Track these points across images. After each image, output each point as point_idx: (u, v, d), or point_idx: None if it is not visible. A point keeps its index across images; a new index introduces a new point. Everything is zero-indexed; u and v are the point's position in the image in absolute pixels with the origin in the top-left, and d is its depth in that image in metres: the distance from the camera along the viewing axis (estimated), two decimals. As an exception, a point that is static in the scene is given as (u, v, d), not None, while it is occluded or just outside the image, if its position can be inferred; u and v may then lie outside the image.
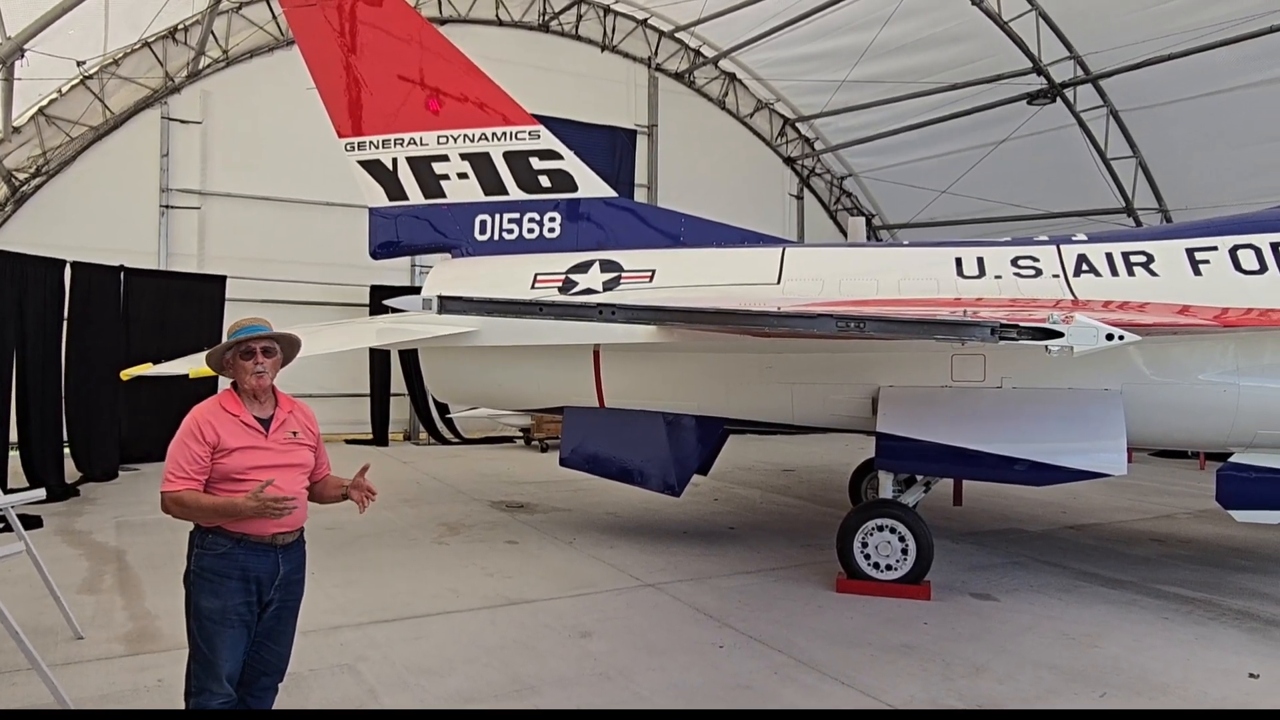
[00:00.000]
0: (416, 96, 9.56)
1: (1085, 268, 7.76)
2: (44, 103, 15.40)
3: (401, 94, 9.58)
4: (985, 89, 18.92)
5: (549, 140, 9.62)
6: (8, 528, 6.27)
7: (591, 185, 9.68)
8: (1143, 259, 7.70)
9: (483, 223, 9.74)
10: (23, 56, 13.14)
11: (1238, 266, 7.42)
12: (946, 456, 7.55)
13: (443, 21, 18.44)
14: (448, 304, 5.76)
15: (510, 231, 9.68)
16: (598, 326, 7.06)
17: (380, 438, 17.98)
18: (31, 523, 8.95)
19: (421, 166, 9.74)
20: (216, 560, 3.71)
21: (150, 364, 8.78)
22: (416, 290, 13.17)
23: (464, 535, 9.56)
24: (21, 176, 15.26)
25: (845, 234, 23.23)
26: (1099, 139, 18.63)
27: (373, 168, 9.85)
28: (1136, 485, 13.09)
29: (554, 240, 9.55)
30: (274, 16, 17.11)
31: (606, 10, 20.86)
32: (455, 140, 9.62)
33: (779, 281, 8.33)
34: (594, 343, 8.65)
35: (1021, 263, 7.98)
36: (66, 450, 12.54)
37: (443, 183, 9.75)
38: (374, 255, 10.25)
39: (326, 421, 6.04)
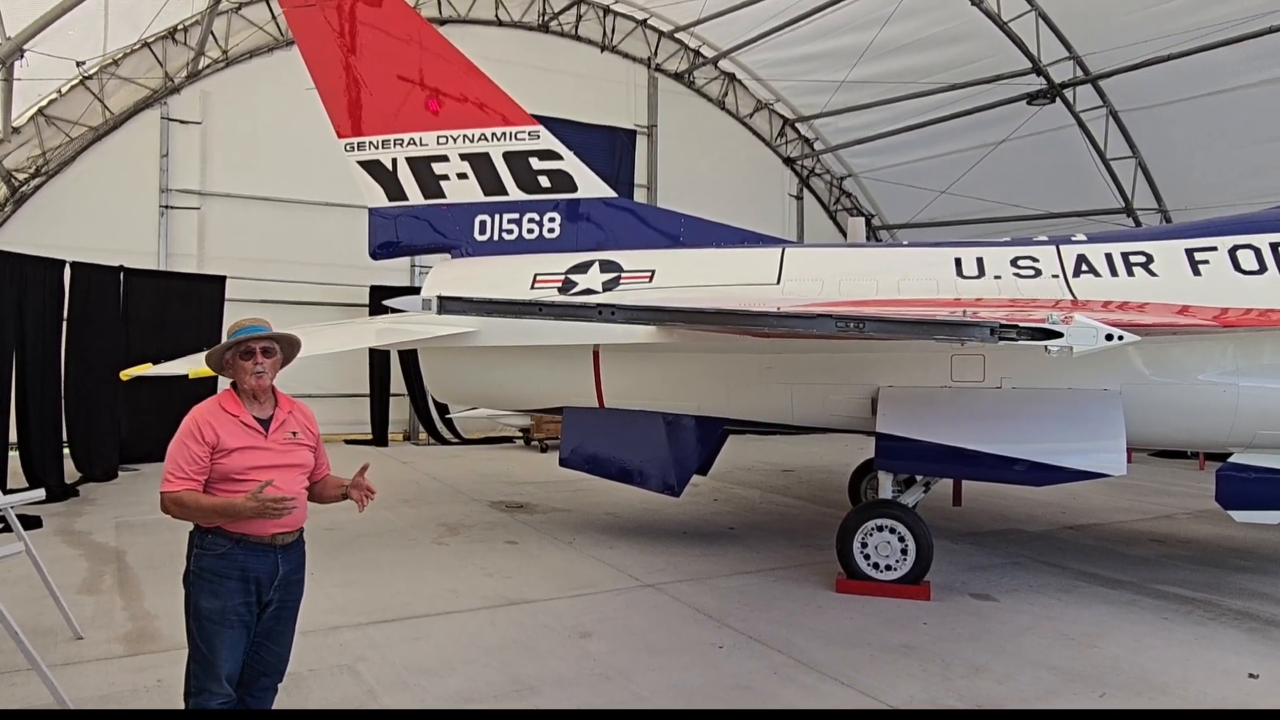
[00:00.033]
0: (416, 97, 9.56)
1: (1085, 268, 7.76)
2: (44, 103, 15.40)
3: (401, 94, 9.58)
4: (985, 89, 18.93)
5: (548, 140, 9.62)
6: (7, 528, 6.26)
7: (591, 185, 9.68)
8: (1142, 259, 7.70)
9: (482, 223, 9.74)
10: (22, 57, 13.15)
11: (1237, 267, 7.42)
12: (946, 457, 7.55)
13: (442, 22, 18.44)
14: (447, 304, 5.76)
15: (510, 232, 9.68)
16: (597, 327, 7.06)
17: (380, 438, 17.98)
18: (31, 523, 8.94)
19: (421, 167, 9.74)
20: (216, 560, 3.71)
21: (150, 364, 8.79)
22: (416, 290, 13.16)
23: (464, 535, 9.56)
24: (21, 177, 15.26)
25: (845, 234, 23.22)
26: (1098, 139, 18.64)
27: (372, 168, 9.85)
28: (1136, 485, 13.09)
29: (553, 240, 9.55)
30: (274, 17, 17.11)
31: (606, 10, 20.86)
32: (455, 140, 9.62)
33: (778, 282, 8.33)
34: (593, 343, 8.65)
35: (1021, 263, 7.98)
36: (66, 450, 12.55)
37: (442, 183, 9.75)
38: (373, 256, 10.25)
39: (326, 422, 6.03)
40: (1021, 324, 4.74)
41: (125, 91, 16.32)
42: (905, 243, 10.95)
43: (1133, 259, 7.72)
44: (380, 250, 10.15)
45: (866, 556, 7.45)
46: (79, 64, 14.95)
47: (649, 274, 8.73)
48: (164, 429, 4.26)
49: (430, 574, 7.92)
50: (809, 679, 5.49)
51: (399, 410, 18.66)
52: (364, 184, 9.96)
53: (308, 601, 4.13)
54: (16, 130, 14.88)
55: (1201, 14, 15.11)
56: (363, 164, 9.86)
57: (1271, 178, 15.88)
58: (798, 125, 23.77)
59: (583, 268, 8.98)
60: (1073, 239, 8.27)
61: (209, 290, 15.57)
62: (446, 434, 18.74)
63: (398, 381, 18.12)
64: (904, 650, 6.01)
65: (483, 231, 9.73)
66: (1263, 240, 7.48)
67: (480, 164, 9.64)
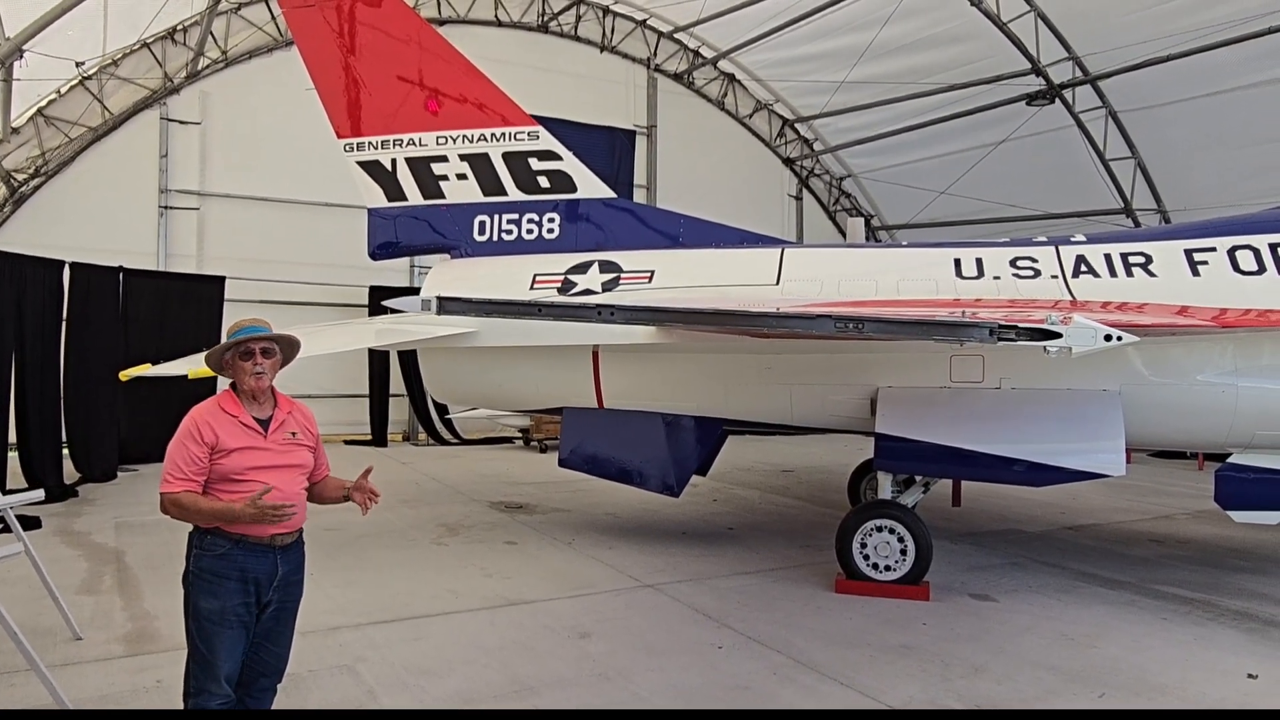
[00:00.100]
0: (415, 97, 9.57)
1: (1084, 268, 7.76)
2: (43, 103, 15.40)
3: (400, 95, 9.58)
4: (984, 90, 18.93)
5: (548, 141, 9.62)
6: (6, 529, 6.26)
7: (590, 186, 9.69)
8: (1141, 260, 7.71)
9: (482, 223, 9.74)
10: (22, 57, 13.15)
11: (1236, 267, 7.43)
12: (945, 457, 7.56)
13: (442, 22, 18.44)
14: (446, 305, 5.76)
15: (509, 232, 9.68)
16: (597, 327, 7.09)
17: (379, 438, 17.97)
18: (30, 523, 8.94)
19: (420, 167, 9.74)
20: (215, 561, 3.71)
21: (149, 365, 8.79)
22: (415, 291, 13.15)
23: (463, 536, 9.56)
24: (20, 177, 15.26)
25: (844, 235, 23.23)
26: (1098, 140, 18.64)
27: (372, 168, 9.86)
28: (1135, 486, 13.10)
29: (553, 241, 9.56)
30: (273, 17, 17.11)
31: (606, 11, 20.87)
32: (454, 141, 9.62)
33: (778, 282, 8.34)
34: (593, 343, 8.65)
35: (1020, 263, 7.98)
36: (65, 451, 12.54)
37: (442, 183, 9.75)
38: (373, 256, 10.25)
39: (325, 422, 6.03)
40: (1020, 325, 4.75)
41: (125, 92, 16.32)
42: (904, 243, 10.96)
43: (1132, 260, 7.73)
44: (379, 251, 10.16)
45: (866, 557, 7.45)
46: (78, 64, 14.95)
47: (648, 274, 8.73)
48: (163, 429, 4.26)
49: (430, 574, 7.92)
50: (808, 679, 5.49)
51: (398, 411, 18.65)
52: (363, 184, 9.96)
53: (307, 602, 4.14)
54: (16, 130, 14.87)
55: (1201, 14, 15.11)
56: (362, 164, 9.87)
57: (1271, 178, 15.88)
58: (797, 126, 23.77)
59: (582, 268, 8.98)
60: (1072, 239, 8.27)
61: (208, 291, 15.57)
62: (446, 434, 18.73)
63: (397, 382, 18.11)
64: (903, 650, 6.01)
65: (482, 232, 9.73)
66: (1262, 241, 7.49)
67: (479, 164, 9.64)
